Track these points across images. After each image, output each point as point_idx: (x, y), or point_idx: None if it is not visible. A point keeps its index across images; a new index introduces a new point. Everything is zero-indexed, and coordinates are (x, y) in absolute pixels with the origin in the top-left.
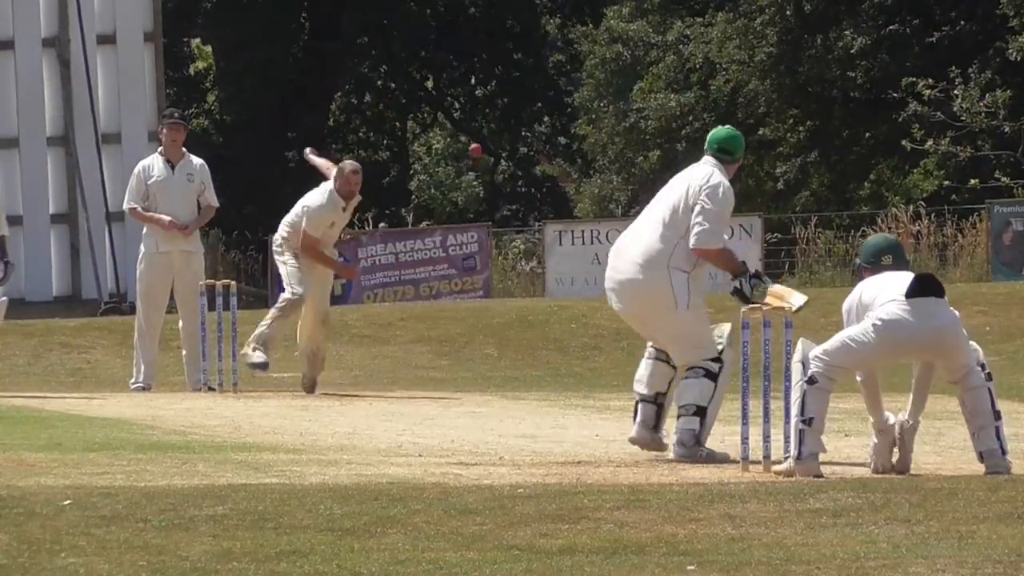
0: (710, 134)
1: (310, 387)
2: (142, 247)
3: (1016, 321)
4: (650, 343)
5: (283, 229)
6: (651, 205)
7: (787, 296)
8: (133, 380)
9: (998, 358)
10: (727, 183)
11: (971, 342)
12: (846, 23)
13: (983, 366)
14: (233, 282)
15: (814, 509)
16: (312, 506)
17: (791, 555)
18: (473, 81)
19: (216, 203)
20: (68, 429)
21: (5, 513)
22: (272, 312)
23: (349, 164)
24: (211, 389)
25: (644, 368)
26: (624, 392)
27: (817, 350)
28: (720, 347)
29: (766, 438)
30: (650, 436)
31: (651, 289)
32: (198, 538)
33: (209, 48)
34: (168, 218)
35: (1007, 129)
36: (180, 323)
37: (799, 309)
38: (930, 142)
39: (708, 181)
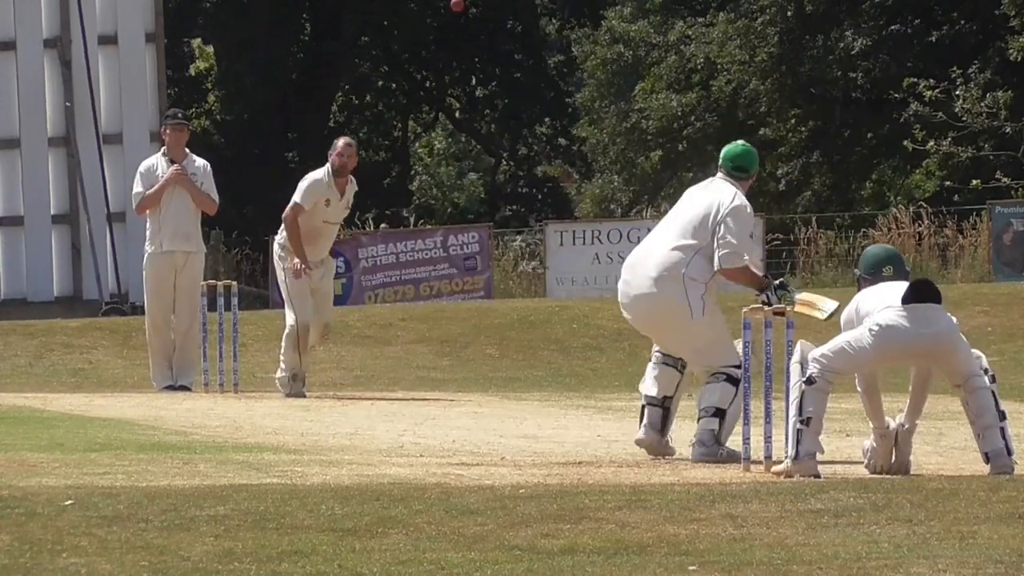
0: (724, 151)
1: (300, 391)
2: (147, 247)
3: (1017, 321)
4: (655, 349)
5: (280, 236)
6: (666, 221)
7: (817, 303)
8: (156, 382)
9: (999, 358)
10: (747, 203)
11: (974, 350)
12: (847, 23)
13: (985, 371)
14: (234, 283)
15: (815, 509)
16: (313, 506)
17: (792, 555)
18: (474, 81)
19: (216, 202)
20: (69, 429)
21: (7, 513)
22: (283, 347)
23: (342, 138)
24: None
25: (651, 372)
26: (625, 392)
27: (816, 352)
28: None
29: (767, 438)
30: (656, 439)
31: (665, 300)
32: (200, 538)
33: (210, 48)
34: (173, 168)
35: (1008, 129)
36: (172, 319)
37: (830, 316)
38: (931, 142)
39: (732, 202)
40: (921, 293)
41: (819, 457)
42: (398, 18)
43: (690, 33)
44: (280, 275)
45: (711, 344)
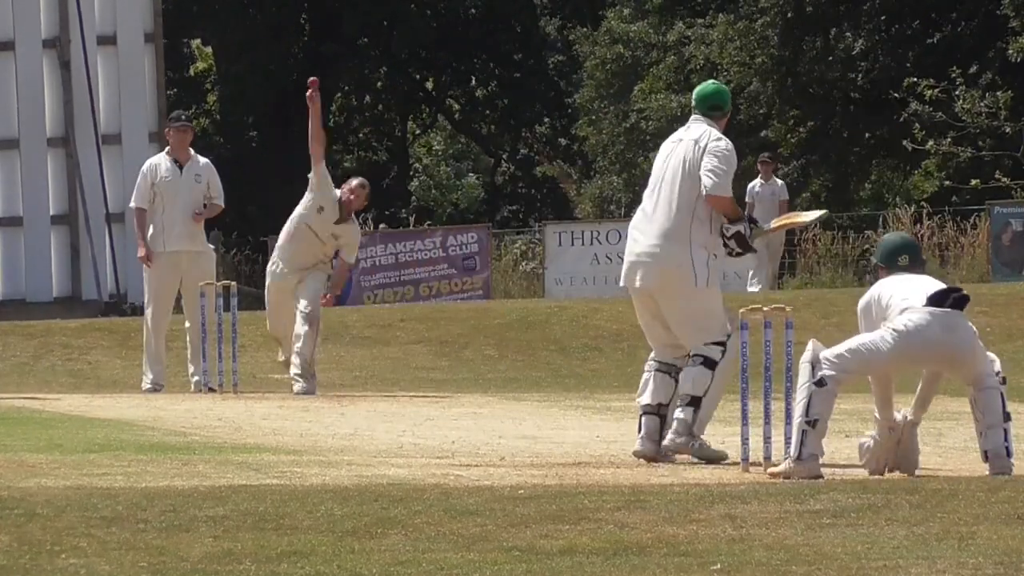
0: (696, 92)
1: (287, 365)
2: (150, 247)
3: (1016, 322)
4: (651, 356)
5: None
6: (661, 178)
7: (795, 218)
8: (144, 383)
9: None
10: (727, 139)
11: (989, 353)
12: (847, 24)
13: (997, 373)
14: (233, 283)
15: (815, 510)
16: (313, 507)
17: (792, 556)
18: (473, 82)
19: (222, 203)
20: (68, 430)
21: (6, 514)
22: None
23: (358, 179)
24: (211, 390)
25: (646, 380)
26: (624, 393)
27: (829, 353)
28: (728, 332)
29: (767, 439)
30: (654, 450)
31: (672, 264)
32: (199, 539)
33: (209, 49)
34: (143, 253)
35: (1008, 130)
36: (187, 324)
37: (816, 219)
38: (931, 143)
39: (709, 140)
40: (947, 299)
41: (820, 460)
42: (398, 19)
43: (690, 34)
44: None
45: (704, 316)
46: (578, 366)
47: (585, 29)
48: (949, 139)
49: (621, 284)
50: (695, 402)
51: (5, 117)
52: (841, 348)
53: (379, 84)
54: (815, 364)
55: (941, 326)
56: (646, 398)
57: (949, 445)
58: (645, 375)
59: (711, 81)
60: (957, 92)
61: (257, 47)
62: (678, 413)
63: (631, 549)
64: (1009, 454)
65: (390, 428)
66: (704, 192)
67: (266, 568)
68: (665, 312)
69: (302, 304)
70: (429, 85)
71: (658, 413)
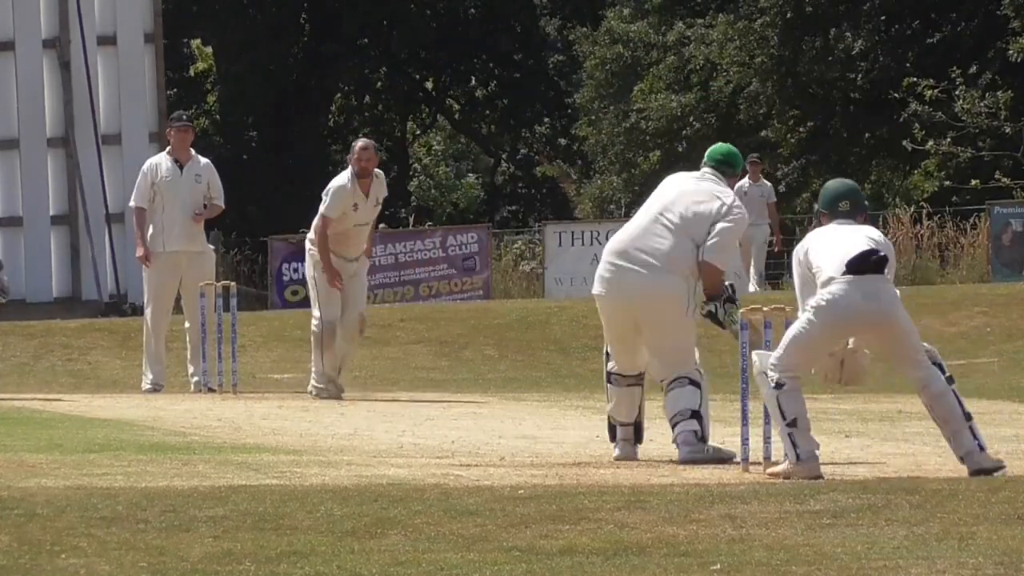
0: (712, 149)
1: (337, 393)
2: (150, 247)
3: (1016, 322)
4: (618, 370)
5: (311, 232)
6: (657, 208)
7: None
8: (144, 383)
9: (998, 359)
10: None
11: (926, 343)
12: (846, 24)
13: (941, 367)
14: (233, 283)
15: (814, 510)
16: (312, 507)
17: (792, 556)
18: (473, 82)
19: (223, 204)
20: (68, 430)
21: (6, 514)
22: (312, 353)
23: (359, 140)
24: (211, 390)
25: (619, 397)
26: None
27: (773, 358)
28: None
29: (767, 439)
30: (633, 451)
31: (668, 293)
32: (198, 539)
33: (209, 49)
34: (141, 252)
35: (1008, 130)
36: (186, 324)
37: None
38: (931, 143)
39: (735, 205)
40: (867, 264)
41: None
42: (398, 19)
43: (689, 34)
44: (310, 271)
45: (687, 345)
46: (578, 366)
47: (585, 29)
48: (949, 139)
49: (599, 292)
50: (696, 415)
51: (5, 117)
52: (780, 348)
53: (379, 84)
54: (767, 373)
55: (862, 294)
56: (623, 417)
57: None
58: (616, 391)
59: (725, 144)
60: (957, 92)
61: (257, 47)
62: (683, 427)
63: (631, 549)
64: (982, 449)
65: (390, 428)
66: (704, 257)
67: (266, 568)
68: (647, 337)
69: (360, 312)
70: (429, 85)
71: (633, 423)
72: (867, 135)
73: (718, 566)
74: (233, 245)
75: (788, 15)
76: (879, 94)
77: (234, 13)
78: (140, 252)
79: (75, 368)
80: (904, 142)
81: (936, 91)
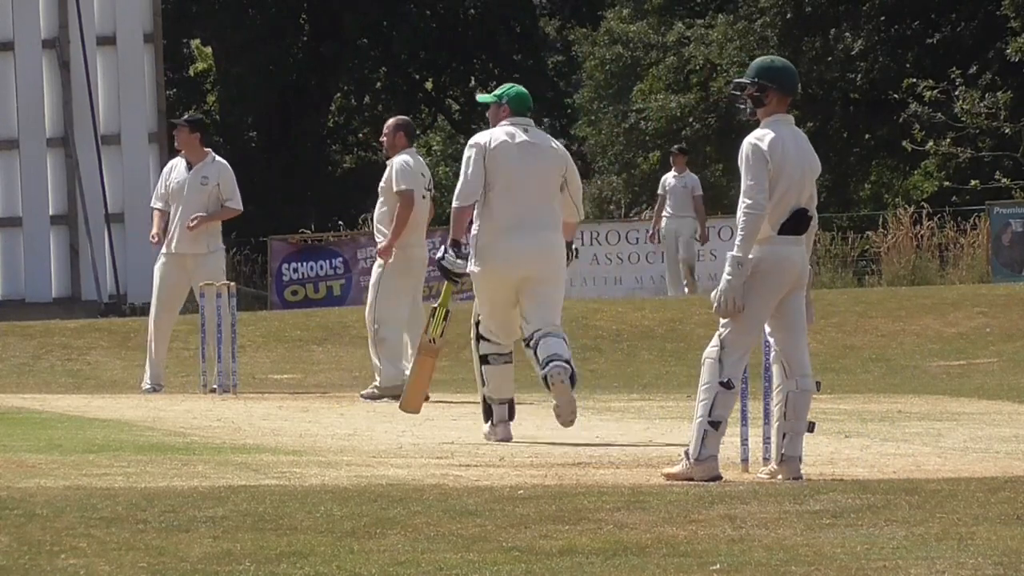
0: (513, 94)
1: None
2: (163, 248)
3: (1016, 322)
4: (502, 346)
5: (378, 224)
6: (530, 172)
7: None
8: (143, 382)
9: (998, 359)
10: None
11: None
12: (846, 24)
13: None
14: (232, 283)
15: (814, 511)
16: (312, 508)
17: (791, 556)
18: (473, 82)
19: (238, 206)
20: (68, 430)
21: (5, 515)
22: (378, 359)
23: (390, 121)
24: (212, 391)
25: (502, 374)
26: (624, 393)
27: (713, 351)
28: None
29: (767, 439)
30: (511, 431)
31: (560, 251)
32: (198, 539)
33: (209, 49)
34: (155, 233)
35: (1007, 130)
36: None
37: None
38: (930, 143)
39: (569, 158)
40: (799, 225)
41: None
42: (397, 19)
43: (689, 34)
44: (376, 273)
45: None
46: (578, 366)
47: (585, 29)
48: (949, 139)
49: (502, 272)
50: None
51: (5, 117)
52: (724, 335)
53: (379, 84)
54: (719, 362)
55: (795, 248)
56: (509, 393)
57: (949, 445)
58: (495, 369)
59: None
60: (956, 92)
61: (257, 47)
62: (563, 352)
63: (631, 549)
64: (800, 460)
65: (389, 428)
66: (580, 218)
67: (265, 568)
68: (544, 291)
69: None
70: (429, 85)
71: (510, 399)
72: (867, 135)
73: (718, 566)
74: (233, 245)
75: (788, 16)
76: (879, 94)
77: (234, 13)
78: (152, 235)
79: (74, 368)
80: (904, 142)
81: (936, 91)
